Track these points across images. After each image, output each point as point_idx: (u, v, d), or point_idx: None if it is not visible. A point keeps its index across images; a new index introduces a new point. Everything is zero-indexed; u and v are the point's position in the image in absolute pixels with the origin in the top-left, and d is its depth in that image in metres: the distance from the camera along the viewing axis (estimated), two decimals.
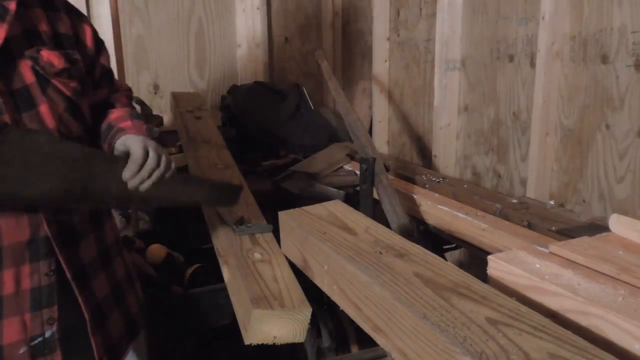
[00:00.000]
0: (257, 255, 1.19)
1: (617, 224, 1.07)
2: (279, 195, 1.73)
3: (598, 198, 1.57)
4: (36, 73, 0.94)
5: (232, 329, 1.09)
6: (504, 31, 1.86)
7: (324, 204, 1.19)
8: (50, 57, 0.96)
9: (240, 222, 1.31)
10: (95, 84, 1.10)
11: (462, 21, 2.05)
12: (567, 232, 1.25)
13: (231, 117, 2.23)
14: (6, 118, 0.87)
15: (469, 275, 0.84)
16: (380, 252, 0.93)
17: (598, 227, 1.22)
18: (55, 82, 0.96)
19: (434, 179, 1.77)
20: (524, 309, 0.73)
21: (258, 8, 2.49)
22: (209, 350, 1.49)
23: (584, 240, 1.03)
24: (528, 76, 1.77)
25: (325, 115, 2.50)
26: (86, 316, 0.98)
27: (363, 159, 1.54)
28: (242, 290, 1.05)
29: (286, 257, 1.17)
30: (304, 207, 1.17)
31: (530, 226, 1.34)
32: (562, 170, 1.68)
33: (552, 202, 1.63)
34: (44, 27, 0.99)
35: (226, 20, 2.51)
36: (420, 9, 2.30)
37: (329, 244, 0.98)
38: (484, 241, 1.28)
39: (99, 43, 1.12)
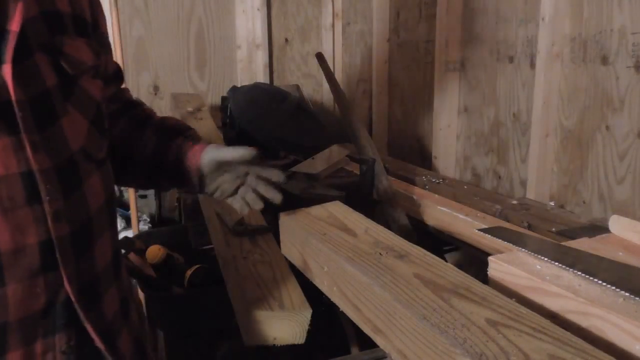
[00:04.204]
0: (257, 257, 1.19)
1: (617, 225, 1.07)
2: None
3: (598, 199, 1.56)
4: (58, 72, 0.66)
5: (232, 330, 1.09)
6: (504, 32, 1.86)
7: (324, 205, 1.19)
8: (77, 48, 0.70)
9: (240, 223, 1.31)
10: (107, 79, 0.87)
11: (461, 22, 2.05)
12: (567, 233, 1.25)
13: (231, 118, 2.23)
14: (24, 139, 0.62)
15: (469, 276, 0.84)
16: (380, 253, 0.93)
17: (598, 229, 1.22)
18: (83, 83, 0.70)
19: (434, 180, 1.77)
20: (524, 310, 0.73)
21: (258, 9, 2.48)
22: (209, 351, 1.48)
23: (584, 241, 1.03)
24: (528, 77, 1.77)
25: (325, 117, 2.50)
26: None
27: (363, 160, 1.54)
28: (242, 292, 1.05)
29: (286, 259, 1.17)
30: (304, 208, 1.17)
31: (530, 227, 1.34)
32: (562, 172, 1.68)
33: (552, 203, 1.63)
34: (65, 5, 0.70)
35: (226, 22, 2.51)
36: (420, 10, 2.31)
37: (329, 245, 0.98)
38: (484, 242, 1.27)
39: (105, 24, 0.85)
